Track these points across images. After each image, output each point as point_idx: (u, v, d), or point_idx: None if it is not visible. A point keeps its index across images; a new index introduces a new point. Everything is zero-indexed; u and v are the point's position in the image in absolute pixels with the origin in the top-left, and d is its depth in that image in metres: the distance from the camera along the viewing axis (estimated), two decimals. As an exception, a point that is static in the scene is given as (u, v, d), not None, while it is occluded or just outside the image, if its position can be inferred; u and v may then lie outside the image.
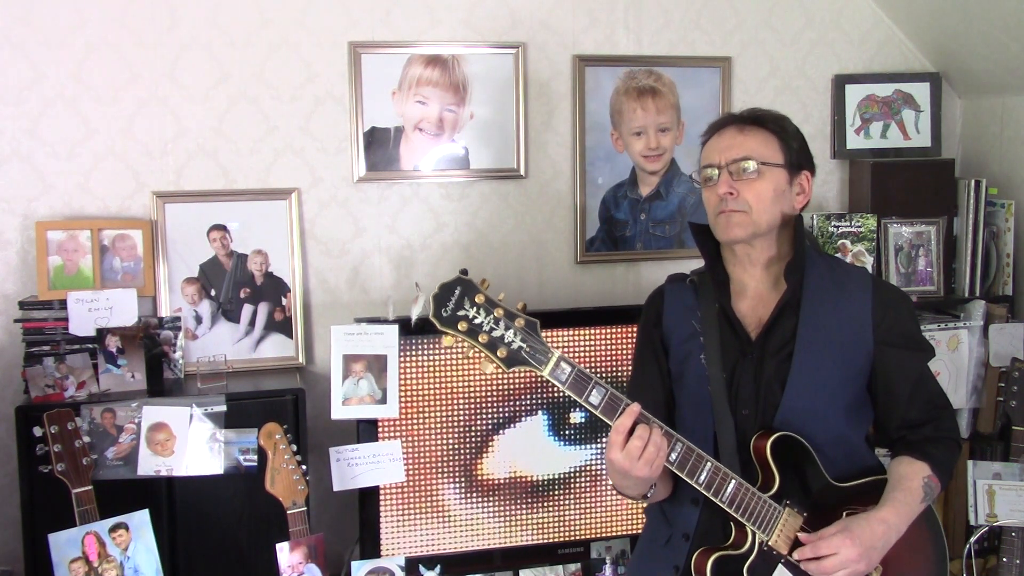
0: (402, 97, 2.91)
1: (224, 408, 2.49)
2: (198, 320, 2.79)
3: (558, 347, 1.63)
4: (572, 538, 2.80)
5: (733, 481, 1.71)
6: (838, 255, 2.98)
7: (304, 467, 2.43)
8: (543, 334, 1.62)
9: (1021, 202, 3.06)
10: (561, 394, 2.78)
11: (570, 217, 3.07)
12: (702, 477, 1.69)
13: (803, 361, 1.77)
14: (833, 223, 2.98)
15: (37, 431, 2.32)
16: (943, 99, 3.27)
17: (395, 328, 2.59)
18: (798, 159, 1.83)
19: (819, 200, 3.28)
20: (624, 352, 2.75)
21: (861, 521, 1.71)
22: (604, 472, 2.81)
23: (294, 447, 2.41)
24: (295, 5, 2.82)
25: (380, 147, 2.91)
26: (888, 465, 1.84)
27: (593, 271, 3.12)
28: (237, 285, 2.82)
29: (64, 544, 2.29)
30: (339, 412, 2.58)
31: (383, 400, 2.58)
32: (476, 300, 1.57)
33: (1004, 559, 2.60)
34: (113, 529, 2.33)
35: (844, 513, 1.77)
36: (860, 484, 1.81)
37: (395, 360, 2.59)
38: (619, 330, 2.75)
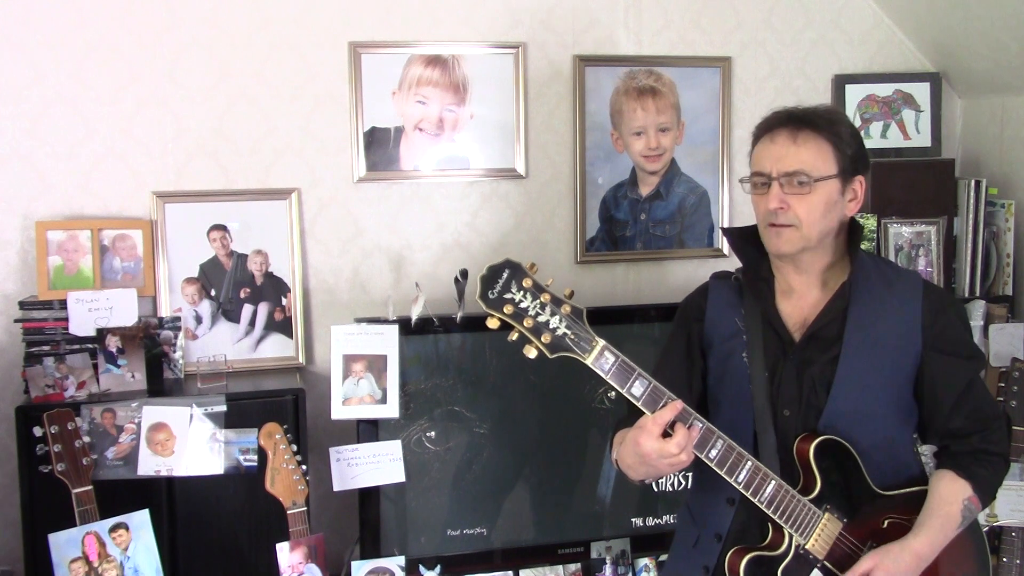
0: (402, 97, 2.91)
1: (224, 408, 2.49)
2: (198, 320, 2.79)
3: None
4: (572, 538, 2.80)
5: (773, 482, 1.68)
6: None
7: (304, 467, 2.43)
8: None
9: (1021, 202, 3.06)
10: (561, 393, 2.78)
11: (570, 217, 3.07)
12: (741, 476, 1.66)
13: (850, 364, 1.74)
14: (833, 223, 2.98)
15: (37, 431, 2.32)
16: (943, 99, 3.26)
17: (395, 328, 2.59)
18: (852, 165, 1.77)
19: (819, 200, 3.27)
20: (624, 351, 2.75)
21: (893, 554, 1.68)
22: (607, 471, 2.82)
23: (294, 447, 2.41)
24: (295, 5, 2.82)
25: (380, 147, 2.91)
26: (931, 477, 1.80)
27: (593, 271, 3.12)
28: (237, 285, 2.82)
29: (64, 544, 2.29)
30: (339, 412, 2.58)
31: (383, 400, 2.58)
32: (524, 284, 1.54)
33: (1004, 559, 2.60)
34: (113, 529, 2.34)
35: (885, 522, 1.75)
36: (904, 494, 1.78)
37: (395, 360, 2.59)
38: (619, 330, 2.75)
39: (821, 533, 1.71)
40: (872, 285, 1.79)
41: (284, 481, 2.39)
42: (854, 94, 3.22)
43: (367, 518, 2.64)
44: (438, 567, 2.64)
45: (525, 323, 1.53)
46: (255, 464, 2.46)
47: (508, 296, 1.53)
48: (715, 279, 1.94)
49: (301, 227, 2.88)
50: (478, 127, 2.96)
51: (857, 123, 3.23)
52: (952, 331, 1.80)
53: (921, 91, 3.25)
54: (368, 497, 2.64)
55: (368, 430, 2.63)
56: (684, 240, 3.15)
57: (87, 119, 2.71)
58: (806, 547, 1.71)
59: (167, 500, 2.50)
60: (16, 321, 2.57)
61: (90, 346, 2.55)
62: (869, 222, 2.99)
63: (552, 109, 3.03)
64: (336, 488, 2.56)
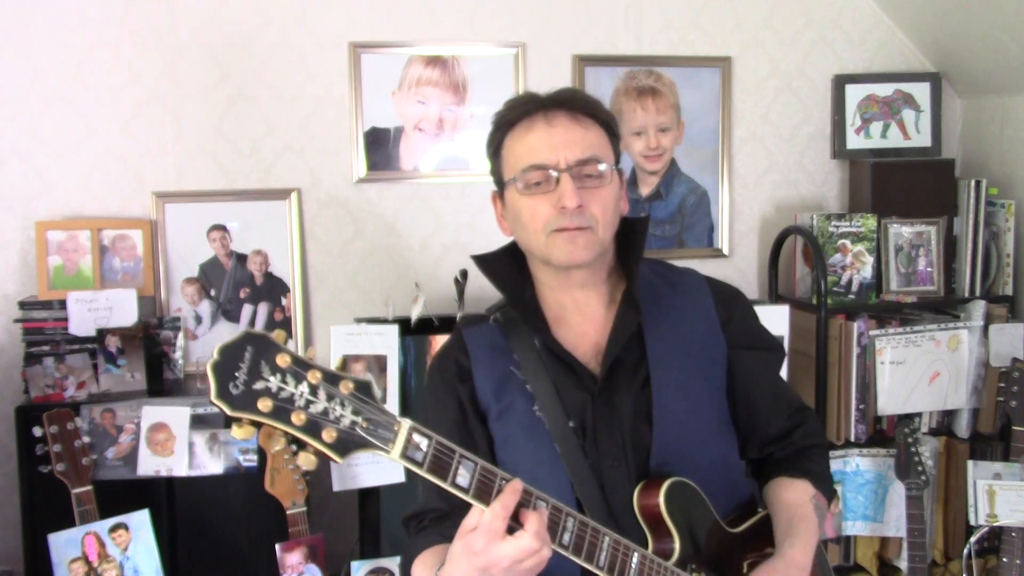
0: (402, 97, 2.91)
1: (224, 408, 2.48)
2: (198, 320, 2.79)
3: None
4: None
5: (636, 555, 1.33)
6: (838, 255, 2.98)
7: (304, 467, 2.43)
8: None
9: (1021, 202, 3.06)
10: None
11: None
12: (603, 558, 1.28)
13: (665, 384, 1.45)
14: (833, 223, 2.98)
15: (37, 431, 2.32)
16: (943, 99, 3.26)
17: (395, 328, 2.59)
18: (618, 155, 1.51)
19: (819, 200, 3.28)
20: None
21: (779, 571, 1.42)
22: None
23: (294, 447, 2.41)
24: (295, 5, 2.82)
25: (380, 147, 2.91)
26: (765, 491, 1.58)
27: (593, 271, 3.11)
28: (237, 285, 2.82)
29: (64, 544, 2.29)
30: (339, 412, 2.57)
31: (383, 400, 2.58)
32: (278, 363, 1.08)
33: (1004, 559, 2.60)
34: (113, 529, 2.34)
35: (745, 565, 1.48)
36: (752, 526, 1.53)
37: (395, 360, 2.59)
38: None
39: None
40: (657, 289, 1.53)
41: (284, 481, 2.39)
42: (854, 94, 3.22)
43: (367, 518, 2.64)
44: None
45: (295, 420, 1.08)
46: (255, 464, 2.46)
47: (260, 386, 1.07)
48: (467, 326, 1.55)
49: (301, 227, 2.88)
50: (478, 127, 2.96)
51: (857, 123, 3.23)
52: (750, 322, 1.59)
53: (921, 91, 3.25)
54: (368, 497, 2.64)
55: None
56: (684, 240, 3.15)
57: (87, 119, 2.71)
58: None
59: (167, 500, 2.50)
60: (16, 321, 2.57)
61: (90, 346, 2.55)
62: (869, 222, 2.99)
63: (552, 109, 3.02)
64: (336, 488, 2.56)
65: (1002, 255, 3.06)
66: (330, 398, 1.11)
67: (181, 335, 2.70)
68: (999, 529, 2.66)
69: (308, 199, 2.88)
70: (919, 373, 2.93)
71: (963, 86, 3.28)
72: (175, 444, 2.46)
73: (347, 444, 1.12)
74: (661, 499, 1.38)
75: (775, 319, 2.74)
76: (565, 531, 1.25)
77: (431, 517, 1.50)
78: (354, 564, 2.57)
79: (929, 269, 3.05)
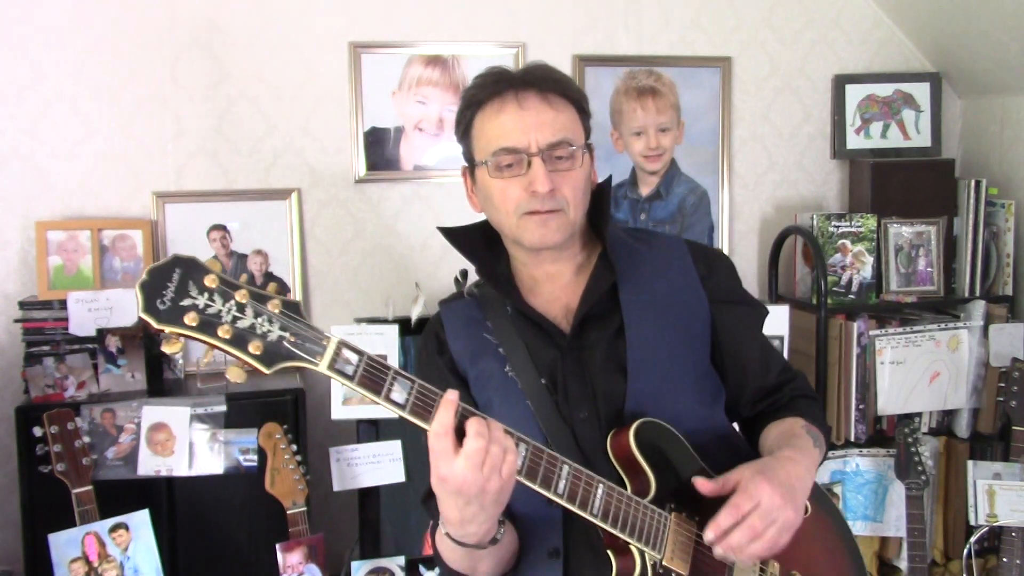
0: (402, 97, 2.91)
1: (224, 408, 2.48)
2: (198, 320, 2.78)
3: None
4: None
5: (601, 487, 1.30)
6: (838, 255, 2.98)
7: (304, 467, 2.43)
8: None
9: (1021, 202, 3.06)
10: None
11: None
12: (561, 485, 1.26)
13: (639, 332, 1.45)
14: (833, 223, 2.98)
15: (37, 431, 2.32)
16: (943, 99, 3.26)
17: (395, 328, 2.59)
18: (589, 131, 1.51)
19: (819, 200, 3.28)
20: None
21: (767, 460, 1.38)
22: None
23: (294, 447, 2.41)
24: (295, 5, 2.82)
25: (380, 147, 2.91)
26: (759, 441, 1.54)
27: (593, 271, 3.11)
28: (237, 285, 2.81)
29: (64, 544, 2.29)
30: (339, 412, 2.58)
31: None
32: (206, 283, 1.13)
33: (1004, 559, 2.60)
34: (113, 529, 2.33)
35: None
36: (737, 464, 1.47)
37: (395, 360, 2.59)
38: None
39: (676, 541, 1.35)
40: (633, 249, 1.54)
41: (284, 481, 2.39)
42: (854, 94, 3.22)
43: (367, 518, 2.64)
44: (438, 568, 2.64)
45: (221, 332, 1.11)
46: (255, 464, 2.46)
47: (187, 302, 1.11)
48: (444, 304, 1.62)
49: (301, 227, 2.88)
50: (478, 127, 2.96)
51: (857, 123, 3.23)
52: (731, 280, 1.58)
53: (921, 91, 3.25)
54: (368, 497, 2.64)
55: (368, 430, 2.62)
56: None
57: (87, 119, 2.71)
58: (663, 563, 1.34)
59: (167, 500, 2.50)
60: (16, 321, 2.57)
61: (90, 346, 2.54)
62: (869, 222, 2.99)
63: (552, 109, 3.02)
64: (336, 488, 2.56)
65: (1002, 255, 3.06)
66: (257, 315, 1.14)
67: (181, 335, 2.69)
68: (999, 529, 2.66)
69: (308, 199, 2.88)
70: (919, 373, 2.93)
71: (963, 86, 3.28)
72: (175, 444, 2.45)
73: (273, 356, 1.14)
74: (631, 437, 1.36)
75: (775, 319, 2.74)
76: (517, 455, 1.24)
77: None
78: (354, 564, 2.57)
79: (929, 269, 3.05)
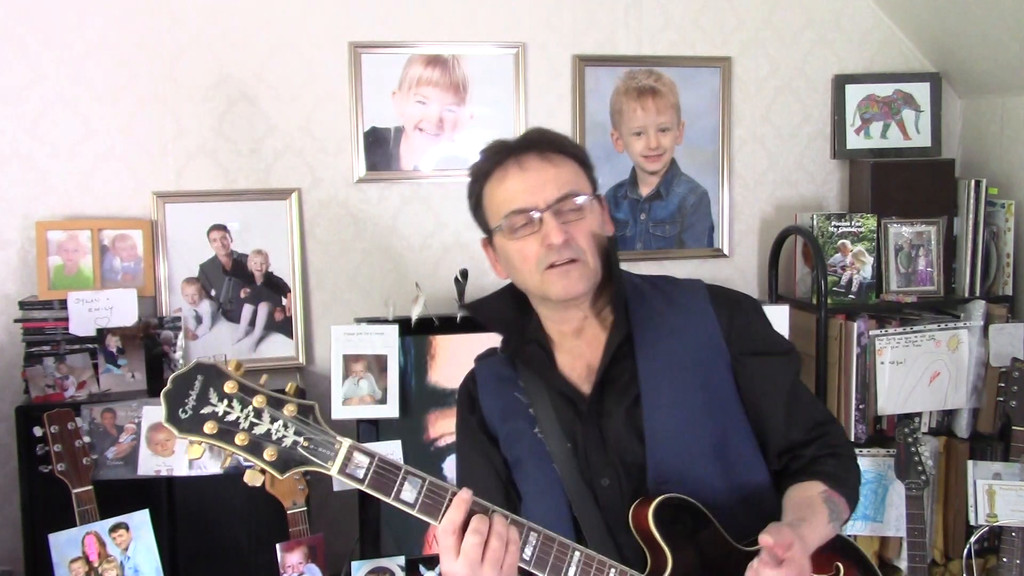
0: (402, 97, 2.91)
1: (224, 408, 2.48)
2: (198, 320, 2.79)
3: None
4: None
5: (613, 571, 1.32)
6: (838, 255, 2.98)
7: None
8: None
9: (1021, 202, 3.06)
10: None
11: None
12: (571, 572, 1.29)
13: (656, 401, 1.45)
14: (833, 223, 2.98)
15: (37, 431, 2.32)
16: (943, 99, 3.26)
17: (395, 328, 2.59)
18: (594, 182, 1.55)
19: (819, 200, 3.28)
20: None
21: (780, 524, 1.36)
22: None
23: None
24: (295, 5, 2.82)
25: (380, 147, 2.91)
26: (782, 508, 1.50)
27: (593, 271, 3.11)
28: (237, 285, 2.82)
29: (64, 544, 2.30)
30: (339, 412, 2.58)
31: (383, 400, 2.58)
32: (226, 389, 1.20)
33: (1004, 559, 2.60)
34: (113, 529, 2.34)
35: None
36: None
37: (395, 360, 2.59)
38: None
39: None
40: (649, 302, 1.54)
41: (284, 481, 2.38)
42: (854, 94, 3.22)
43: (367, 518, 2.64)
44: (438, 567, 2.64)
45: (238, 440, 1.21)
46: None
47: (208, 411, 1.20)
48: (479, 361, 1.65)
49: (301, 227, 2.88)
50: (478, 127, 2.96)
51: (857, 123, 3.23)
52: (755, 327, 1.56)
53: (921, 91, 3.25)
54: (368, 497, 2.62)
55: (368, 430, 2.62)
56: (684, 240, 3.15)
57: (87, 119, 2.71)
58: None
59: (167, 500, 2.50)
60: (16, 321, 2.57)
61: (90, 346, 2.54)
62: (869, 222, 2.99)
63: (552, 109, 3.03)
64: (336, 488, 2.55)
65: (1002, 255, 3.06)
66: (273, 420, 1.22)
67: (181, 335, 2.70)
68: (999, 529, 2.66)
69: (308, 199, 2.88)
70: (919, 373, 2.93)
71: (963, 86, 3.28)
72: (175, 444, 2.46)
73: (287, 462, 1.22)
74: (650, 516, 1.37)
75: (775, 319, 2.71)
76: (527, 544, 1.28)
77: None
78: (354, 564, 2.57)
79: (929, 269, 3.05)
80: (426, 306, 2.65)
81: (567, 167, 1.49)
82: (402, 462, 1.26)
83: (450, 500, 1.25)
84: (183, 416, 1.20)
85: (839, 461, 1.53)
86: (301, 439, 1.22)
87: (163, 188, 2.77)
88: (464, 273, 2.67)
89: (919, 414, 2.99)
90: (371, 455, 1.23)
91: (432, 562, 2.65)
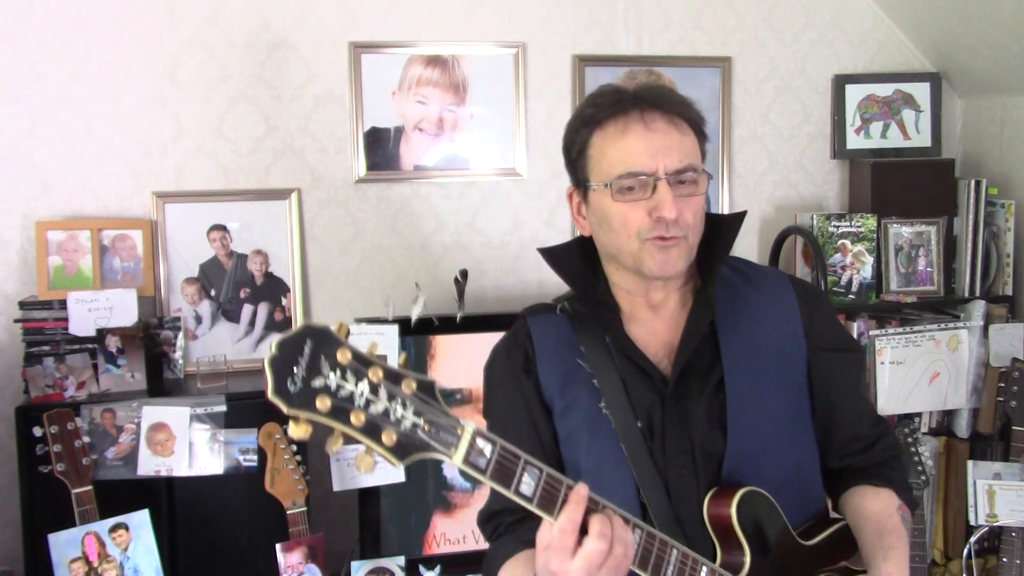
0: (402, 97, 2.91)
1: (224, 408, 2.48)
2: (198, 320, 2.79)
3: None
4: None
5: (704, 569, 1.27)
6: (838, 255, 2.98)
7: (304, 467, 2.43)
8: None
9: (1021, 202, 3.06)
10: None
11: (570, 217, 3.06)
12: (670, 572, 1.23)
13: (739, 389, 1.38)
14: (833, 223, 2.98)
15: (37, 431, 2.32)
16: (943, 99, 3.26)
17: (395, 328, 2.59)
18: (705, 153, 1.47)
19: (819, 200, 3.28)
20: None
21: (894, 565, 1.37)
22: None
23: (294, 447, 2.41)
24: (295, 5, 2.82)
25: (380, 147, 2.91)
26: (844, 500, 1.50)
27: (593, 271, 3.11)
28: (237, 285, 2.82)
29: (64, 544, 2.29)
30: (339, 412, 2.57)
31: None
32: (339, 359, 1.02)
33: (1004, 559, 2.60)
34: (113, 529, 2.34)
35: None
36: (826, 538, 1.45)
37: (395, 360, 2.58)
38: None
39: None
40: (735, 287, 1.46)
41: (284, 481, 2.39)
42: (854, 94, 3.22)
43: (367, 518, 2.64)
44: (438, 567, 2.64)
45: (354, 420, 1.02)
46: (255, 464, 2.46)
47: (319, 383, 1.00)
48: (532, 315, 1.49)
49: (301, 227, 2.88)
50: (478, 127, 2.96)
51: (857, 123, 3.23)
52: (833, 324, 1.53)
53: (921, 91, 3.25)
54: (368, 497, 2.64)
55: (368, 430, 2.62)
56: (684, 240, 3.15)
57: (87, 119, 2.71)
58: None
59: (167, 500, 2.50)
60: (16, 321, 2.57)
61: (90, 346, 2.54)
62: (869, 222, 2.99)
63: (552, 109, 3.03)
64: (336, 488, 2.55)
65: (1002, 255, 3.06)
66: (391, 398, 1.04)
67: (181, 335, 2.70)
68: (999, 529, 2.66)
69: (308, 199, 2.88)
70: (919, 373, 2.93)
71: (963, 86, 3.28)
72: (175, 444, 2.46)
73: (407, 448, 1.05)
74: (733, 510, 1.31)
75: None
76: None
77: (508, 522, 1.45)
78: (354, 564, 2.57)
79: (929, 269, 3.05)
80: (426, 306, 2.65)
81: (690, 136, 1.40)
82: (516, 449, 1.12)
83: (565, 494, 1.13)
84: (292, 389, 0.99)
85: (900, 467, 1.54)
86: (421, 421, 1.05)
87: (163, 188, 2.77)
88: (464, 273, 2.67)
89: (919, 414, 2.99)
90: (493, 441, 1.09)
91: (432, 562, 2.65)
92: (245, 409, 2.50)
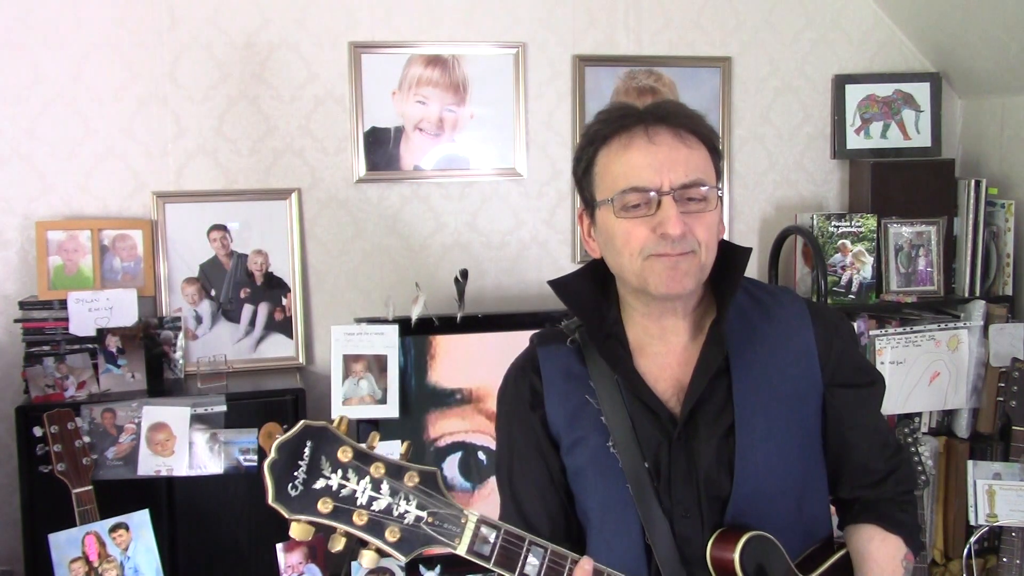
0: (402, 97, 2.91)
1: (224, 408, 2.49)
2: (198, 320, 2.79)
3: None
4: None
5: None
6: (838, 255, 2.98)
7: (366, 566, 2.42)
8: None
9: (1021, 202, 3.05)
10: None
11: (570, 217, 3.07)
12: None
13: (749, 435, 1.34)
14: (833, 223, 2.98)
15: (37, 431, 2.32)
16: (943, 99, 3.26)
17: (395, 328, 2.59)
18: (719, 174, 1.39)
19: (819, 200, 3.28)
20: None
21: None
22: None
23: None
24: (295, 5, 2.82)
25: (380, 147, 2.91)
26: (852, 533, 1.47)
27: (593, 271, 3.11)
28: (237, 285, 2.82)
29: (64, 544, 2.29)
30: (339, 412, 2.58)
31: (383, 400, 2.58)
32: (339, 456, 1.02)
33: (1004, 559, 2.60)
34: (113, 529, 2.34)
35: None
36: (826, 571, 1.42)
37: (395, 360, 2.59)
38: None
39: None
40: (749, 319, 1.40)
41: (284, 481, 2.39)
42: (854, 94, 3.22)
43: (367, 518, 2.64)
44: (438, 567, 2.64)
45: (356, 520, 1.02)
46: (255, 464, 2.46)
47: (320, 485, 1.01)
48: (542, 344, 1.45)
49: (301, 227, 2.88)
50: (478, 127, 2.96)
51: (857, 123, 3.23)
52: (851, 357, 1.46)
53: (921, 91, 3.25)
54: (368, 497, 2.63)
55: (368, 430, 2.62)
56: (684, 240, 3.15)
57: (87, 119, 2.71)
58: None
59: (167, 500, 2.50)
60: (16, 321, 2.57)
61: (90, 346, 2.54)
62: (869, 222, 2.99)
63: (552, 109, 3.03)
64: (336, 488, 2.55)
65: (1002, 255, 3.06)
66: (394, 493, 1.05)
67: (181, 335, 2.70)
68: (999, 529, 2.66)
69: (308, 199, 2.89)
70: (919, 373, 2.93)
71: (963, 86, 3.28)
72: (175, 444, 2.46)
73: (412, 543, 1.05)
74: (737, 555, 1.29)
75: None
76: None
77: None
78: (354, 564, 2.57)
79: (929, 269, 3.05)
80: (426, 306, 2.66)
81: (699, 151, 1.33)
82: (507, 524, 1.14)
83: (570, 569, 1.14)
84: (294, 493, 1.01)
85: (913, 507, 1.49)
86: (425, 514, 1.06)
87: (163, 188, 2.77)
88: (464, 273, 2.67)
89: (919, 414, 2.99)
90: (497, 527, 1.11)
91: (432, 562, 2.65)
92: (245, 409, 2.51)
